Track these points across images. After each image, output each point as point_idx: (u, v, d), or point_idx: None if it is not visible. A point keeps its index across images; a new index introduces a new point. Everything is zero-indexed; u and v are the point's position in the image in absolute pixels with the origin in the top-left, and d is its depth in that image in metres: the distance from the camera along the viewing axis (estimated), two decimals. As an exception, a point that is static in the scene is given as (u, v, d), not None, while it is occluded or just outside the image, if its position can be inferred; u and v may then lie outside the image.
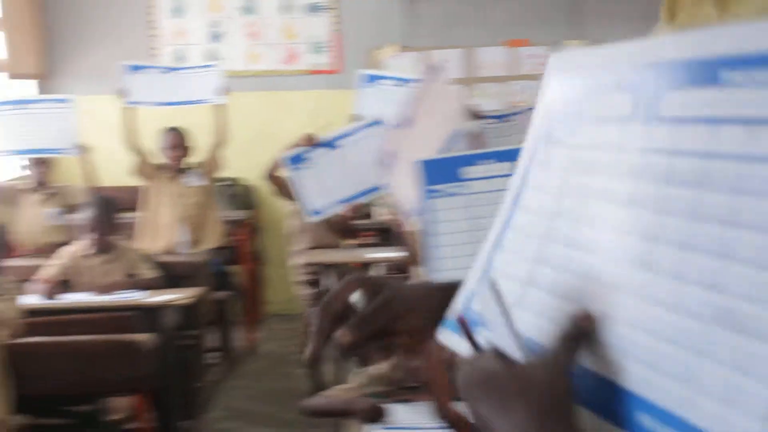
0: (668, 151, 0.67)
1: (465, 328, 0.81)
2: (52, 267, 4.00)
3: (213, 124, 4.98)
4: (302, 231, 4.74)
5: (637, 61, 0.74)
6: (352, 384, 2.82)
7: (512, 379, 0.71)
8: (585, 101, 0.80)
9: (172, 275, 4.45)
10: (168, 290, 4.19)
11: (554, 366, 0.69)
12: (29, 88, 6.43)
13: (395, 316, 0.92)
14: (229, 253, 5.31)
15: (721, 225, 0.60)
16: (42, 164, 4.91)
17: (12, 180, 5.28)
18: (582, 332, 0.70)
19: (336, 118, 5.06)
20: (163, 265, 4.49)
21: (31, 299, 3.66)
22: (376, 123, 3.66)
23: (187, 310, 4.23)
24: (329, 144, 3.59)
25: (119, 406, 3.12)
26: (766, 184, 0.57)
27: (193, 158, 5.03)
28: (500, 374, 0.72)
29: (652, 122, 0.69)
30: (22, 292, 3.33)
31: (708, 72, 0.64)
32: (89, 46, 6.48)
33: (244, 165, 5.45)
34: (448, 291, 0.88)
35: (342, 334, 0.89)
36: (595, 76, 0.80)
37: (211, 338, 4.98)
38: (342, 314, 0.91)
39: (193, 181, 4.94)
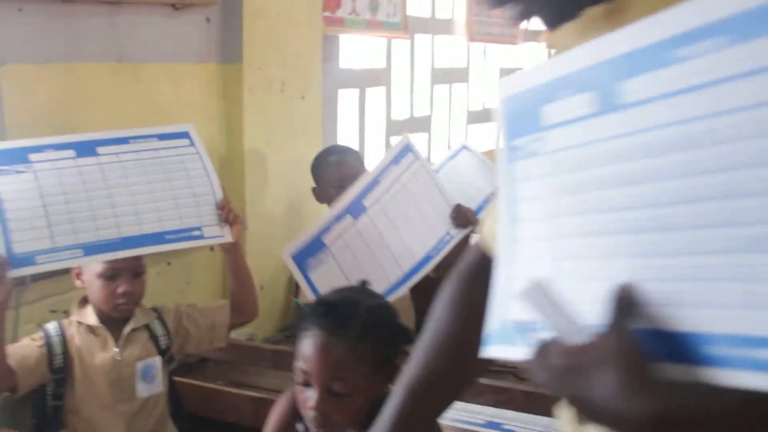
0: (641, 130, 0.71)
1: (525, 330, 0.83)
2: None
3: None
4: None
5: (589, 62, 0.76)
6: None
7: (590, 356, 0.73)
8: (546, 111, 0.81)
9: None
10: None
11: (618, 333, 0.72)
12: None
13: None
14: None
15: (723, 173, 0.66)
16: None
17: None
18: (627, 301, 0.72)
19: None
20: None
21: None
22: None
23: None
24: None
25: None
26: (741, 130, 0.64)
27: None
28: (577, 357, 0.74)
29: (617, 110, 0.73)
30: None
31: (662, 53, 0.69)
32: None
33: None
34: None
35: None
36: (549, 86, 0.81)
37: None
38: None
39: None
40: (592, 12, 0.85)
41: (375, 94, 4.27)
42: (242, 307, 2.34)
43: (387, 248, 2.52)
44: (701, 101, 0.67)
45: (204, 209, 2.19)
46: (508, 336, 0.89)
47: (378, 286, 2.43)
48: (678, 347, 0.71)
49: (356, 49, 4.13)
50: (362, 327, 1.56)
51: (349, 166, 2.91)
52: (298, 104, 3.34)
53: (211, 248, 2.85)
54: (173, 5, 2.74)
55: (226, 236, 2.21)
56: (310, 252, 2.50)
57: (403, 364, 1.38)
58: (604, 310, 0.74)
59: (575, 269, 0.81)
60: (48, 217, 1.99)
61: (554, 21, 0.88)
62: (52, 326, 2.15)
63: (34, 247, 1.96)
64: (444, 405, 1.31)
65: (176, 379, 2.38)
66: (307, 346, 1.55)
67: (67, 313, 2.23)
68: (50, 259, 1.97)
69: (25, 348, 2.08)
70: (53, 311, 2.33)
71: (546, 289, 0.82)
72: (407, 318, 2.52)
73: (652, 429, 0.70)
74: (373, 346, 1.56)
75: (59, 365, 2.10)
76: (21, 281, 2.21)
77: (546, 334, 0.81)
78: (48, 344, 2.10)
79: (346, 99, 3.97)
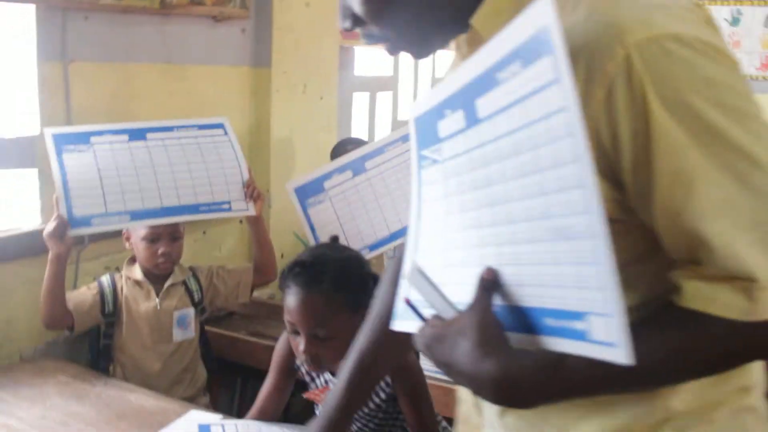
0: (490, 139, 0.73)
1: (412, 307, 0.86)
2: None
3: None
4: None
5: (460, 85, 0.78)
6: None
7: (453, 327, 0.77)
8: (440, 126, 0.83)
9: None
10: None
11: (479, 309, 0.74)
12: None
13: None
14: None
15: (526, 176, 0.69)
16: None
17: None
18: (490, 283, 0.75)
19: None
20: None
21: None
22: None
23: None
24: None
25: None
26: (538, 138, 0.67)
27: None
28: (444, 328, 0.78)
29: (476, 124, 0.75)
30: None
31: (489, 78, 0.72)
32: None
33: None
34: None
35: None
36: (440, 106, 0.83)
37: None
38: None
39: None
40: (461, 38, 0.87)
41: (383, 98, 4.28)
42: (263, 270, 2.36)
43: (378, 208, 2.45)
44: (515, 116, 0.69)
45: (233, 187, 2.20)
46: (405, 312, 0.90)
47: (365, 239, 2.39)
48: (524, 320, 0.73)
49: (368, 59, 4.14)
50: (334, 280, 1.52)
51: None
52: (317, 104, 3.34)
53: (240, 221, 2.89)
54: (214, 17, 2.76)
55: (251, 210, 2.22)
56: (310, 191, 2.42)
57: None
58: (474, 289, 0.76)
59: (458, 257, 0.82)
60: (103, 188, 2.02)
61: (421, 55, 0.88)
62: (105, 279, 2.19)
63: (90, 212, 2.00)
64: (389, 366, 1.35)
65: (207, 328, 2.41)
66: (291, 302, 1.53)
67: (118, 269, 2.27)
68: (103, 222, 2.01)
69: (82, 295, 2.13)
70: (107, 267, 2.37)
71: (424, 273, 0.84)
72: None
73: (496, 389, 0.72)
74: (345, 295, 1.52)
75: (110, 311, 2.14)
76: (80, 241, 2.27)
77: (427, 311, 0.84)
78: (101, 293, 2.14)
79: (359, 101, 3.99)
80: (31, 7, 2.16)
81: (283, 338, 1.74)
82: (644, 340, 0.66)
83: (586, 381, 0.72)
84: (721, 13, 5.71)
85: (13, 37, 2.21)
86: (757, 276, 0.68)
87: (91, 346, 2.21)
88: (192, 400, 2.13)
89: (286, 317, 1.55)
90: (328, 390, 1.63)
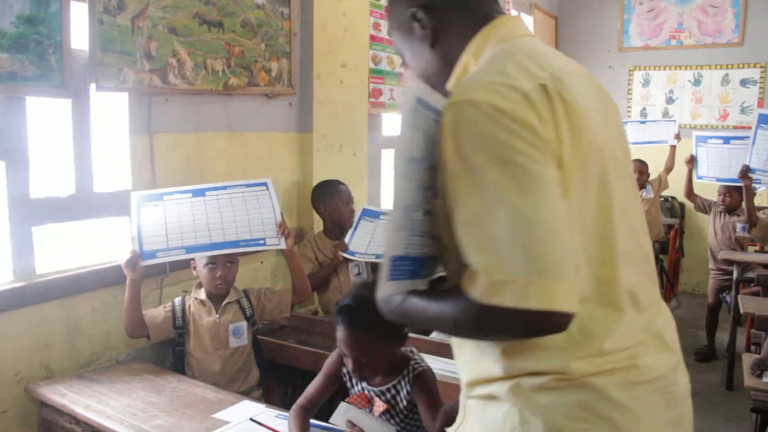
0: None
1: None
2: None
3: (666, 158, 4.59)
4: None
5: None
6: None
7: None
8: None
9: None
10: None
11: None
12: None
13: None
14: (661, 246, 4.91)
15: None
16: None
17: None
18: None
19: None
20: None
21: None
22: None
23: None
24: None
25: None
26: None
27: (648, 179, 4.67)
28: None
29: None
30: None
31: None
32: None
33: (677, 187, 5.00)
34: None
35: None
36: None
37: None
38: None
39: (647, 194, 4.61)
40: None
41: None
42: (298, 291, 2.38)
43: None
44: None
45: (268, 227, 2.23)
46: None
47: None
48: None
49: (394, 122, 4.19)
50: (372, 322, 1.47)
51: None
52: (351, 160, 3.36)
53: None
54: (266, 95, 2.83)
55: (282, 244, 2.25)
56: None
57: (408, 332, 1.57)
58: None
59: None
60: (166, 230, 2.12)
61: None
62: (177, 300, 2.25)
63: (156, 247, 2.09)
64: None
65: (262, 337, 2.45)
66: (340, 336, 1.60)
67: (190, 292, 2.33)
68: (165, 254, 2.10)
69: (156, 312, 2.20)
70: (184, 291, 2.43)
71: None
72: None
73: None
74: (382, 332, 1.55)
75: (179, 324, 2.20)
76: (163, 270, 2.33)
77: None
78: (173, 310, 2.21)
79: (386, 156, 4.01)
80: (125, 94, 2.27)
81: (335, 353, 1.77)
82: (437, 300, 0.89)
83: (412, 312, 0.92)
84: (685, 76, 5.64)
85: (112, 116, 2.32)
86: (489, 272, 0.80)
87: (171, 352, 2.27)
88: (247, 394, 2.16)
89: (339, 345, 1.62)
90: (365, 395, 1.69)
